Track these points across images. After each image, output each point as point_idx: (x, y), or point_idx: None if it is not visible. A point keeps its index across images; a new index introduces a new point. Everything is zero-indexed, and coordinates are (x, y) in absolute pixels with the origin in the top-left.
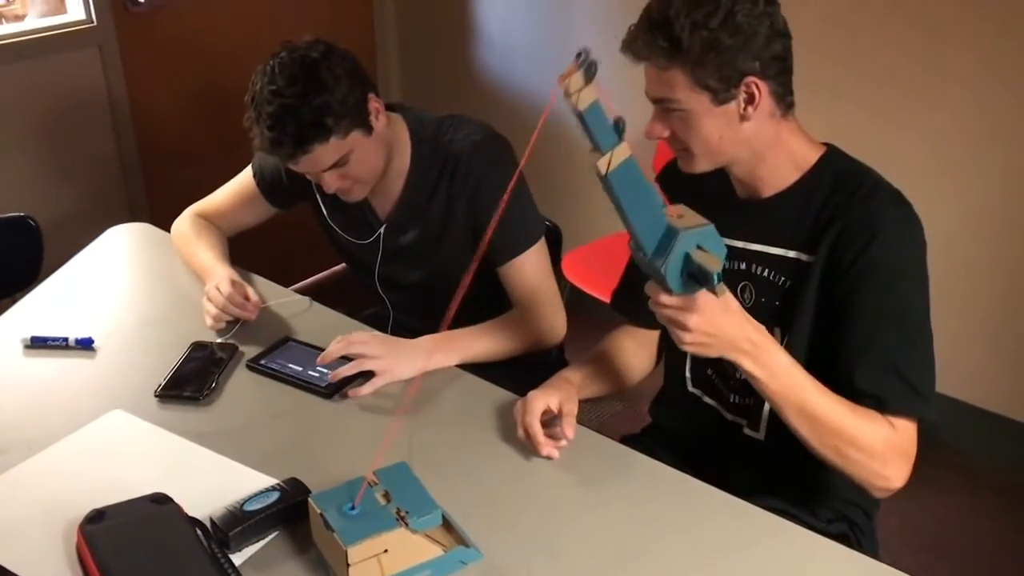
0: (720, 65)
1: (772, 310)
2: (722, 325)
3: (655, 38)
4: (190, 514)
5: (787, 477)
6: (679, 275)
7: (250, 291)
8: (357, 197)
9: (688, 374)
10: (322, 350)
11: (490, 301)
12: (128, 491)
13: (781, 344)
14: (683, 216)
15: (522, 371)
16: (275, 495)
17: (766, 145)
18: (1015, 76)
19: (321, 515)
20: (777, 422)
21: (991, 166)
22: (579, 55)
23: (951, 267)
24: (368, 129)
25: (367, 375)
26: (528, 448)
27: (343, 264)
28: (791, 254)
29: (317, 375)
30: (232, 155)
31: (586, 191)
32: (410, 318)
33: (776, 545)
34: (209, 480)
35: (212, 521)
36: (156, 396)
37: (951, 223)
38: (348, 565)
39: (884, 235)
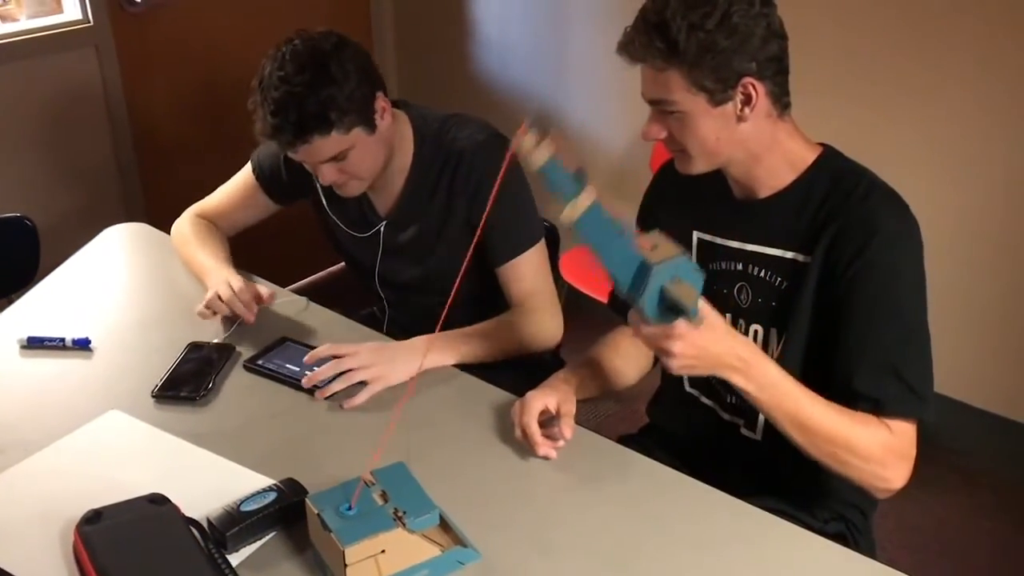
0: (717, 66)
1: (769, 311)
2: (707, 346)
3: (651, 40)
4: (187, 514)
5: (784, 477)
6: (656, 307)
7: (262, 289)
8: (352, 192)
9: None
10: None
11: (488, 302)
12: (125, 492)
13: (778, 345)
14: (657, 247)
15: (519, 371)
16: (272, 495)
17: (762, 146)
18: (1014, 76)
19: (318, 515)
20: None
21: (990, 166)
22: (528, 116)
23: (949, 267)
24: (372, 127)
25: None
26: (525, 448)
27: (340, 264)
28: (788, 255)
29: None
30: (229, 154)
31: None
32: (406, 317)
33: (773, 545)
34: (206, 480)
35: (209, 521)
36: (153, 396)
37: (949, 223)
38: (346, 565)
39: (881, 236)
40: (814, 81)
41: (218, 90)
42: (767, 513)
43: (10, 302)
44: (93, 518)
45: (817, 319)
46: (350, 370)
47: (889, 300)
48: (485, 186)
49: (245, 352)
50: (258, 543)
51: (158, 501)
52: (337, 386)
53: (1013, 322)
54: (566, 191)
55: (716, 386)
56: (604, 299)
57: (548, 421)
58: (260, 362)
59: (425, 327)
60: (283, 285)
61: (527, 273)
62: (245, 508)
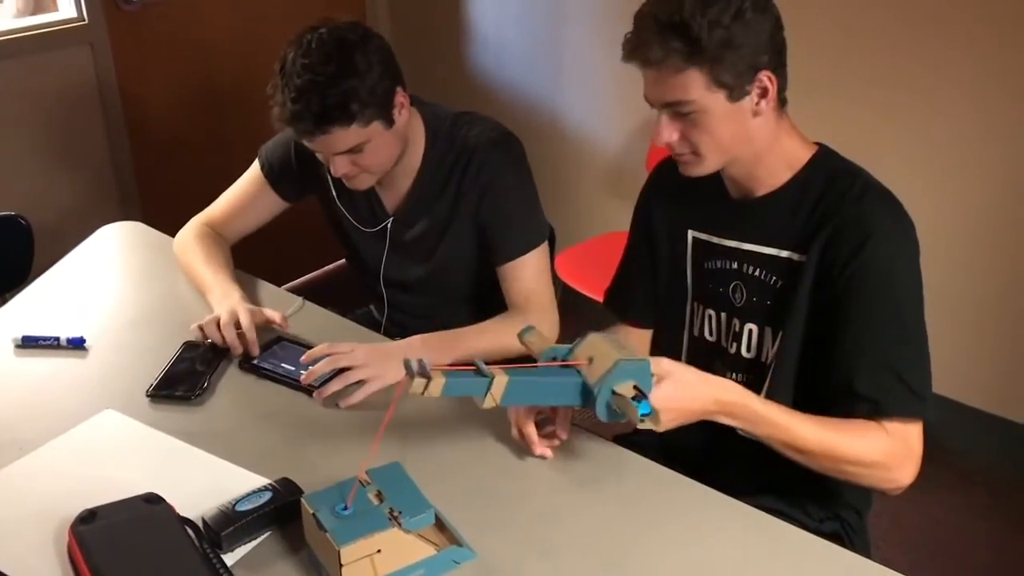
0: (736, 61)
1: (764, 310)
2: (683, 403)
3: (668, 41)
4: (182, 514)
5: (780, 477)
6: (610, 413)
7: (272, 314)
8: (362, 186)
9: None
10: None
11: (486, 301)
12: (120, 491)
13: (773, 344)
14: (593, 360)
15: None
16: (267, 495)
17: (766, 143)
18: (1010, 77)
19: (314, 515)
20: None
21: (986, 166)
22: (407, 368)
23: (945, 267)
24: (390, 122)
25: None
26: (521, 448)
27: (336, 263)
28: (783, 254)
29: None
30: (224, 153)
31: (580, 190)
32: (406, 316)
33: (768, 544)
34: (201, 480)
35: (204, 521)
36: (148, 396)
37: (945, 223)
38: (341, 565)
39: (877, 237)
40: (810, 81)
41: (214, 88)
42: (762, 513)
43: (4, 301)
44: (88, 518)
45: (813, 318)
46: (347, 369)
47: (886, 301)
48: (494, 184)
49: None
50: (253, 543)
51: (153, 501)
52: (335, 386)
53: (1009, 322)
54: (477, 391)
55: None
56: (599, 298)
57: (544, 421)
58: (255, 361)
59: (423, 327)
60: (279, 284)
61: (528, 274)
62: (240, 508)
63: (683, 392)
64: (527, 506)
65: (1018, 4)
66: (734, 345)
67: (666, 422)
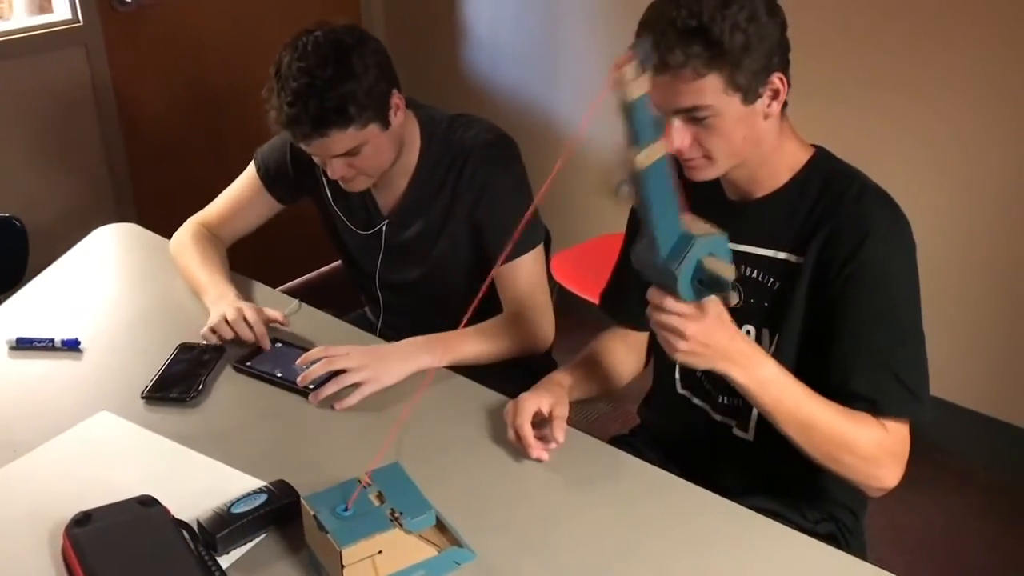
0: (752, 64)
1: (761, 311)
2: (717, 337)
3: (689, 45)
4: (177, 516)
5: (775, 478)
6: (690, 281)
7: (272, 313)
8: (358, 188)
9: (677, 375)
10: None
11: (482, 301)
12: (115, 493)
13: (771, 346)
14: (694, 223)
15: (512, 373)
16: (262, 497)
17: (772, 146)
18: (1008, 77)
19: (315, 516)
20: (766, 423)
21: (982, 168)
22: (635, 45)
23: (941, 269)
24: (386, 124)
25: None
26: (519, 450)
27: (332, 265)
28: (781, 255)
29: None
30: (220, 154)
31: (575, 193)
32: (401, 319)
33: (764, 546)
34: (196, 482)
35: (199, 523)
36: (143, 398)
37: (940, 225)
38: (343, 566)
39: (874, 238)
40: (808, 83)
41: (209, 90)
42: (758, 514)
43: None
44: (82, 520)
45: (810, 319)
46: (343, 372)
47: (883, 301)
48: (490, 187)
49: (235, 353)
50: (248, 545)
51: (148, 503)
52: (331, 388)
53: (1004, 324)
54: (644, 134)
55: (708, 387)
56: (595, 300)
57: (540, 423)
58: (250, 364)
59: (419, 329)
60: (274, 286)
61: (523, 276)
62: (235, 510)
63: (719, 328)
64: (525, 508)
65: (1015, 7)
66: None
67: (693, 350)
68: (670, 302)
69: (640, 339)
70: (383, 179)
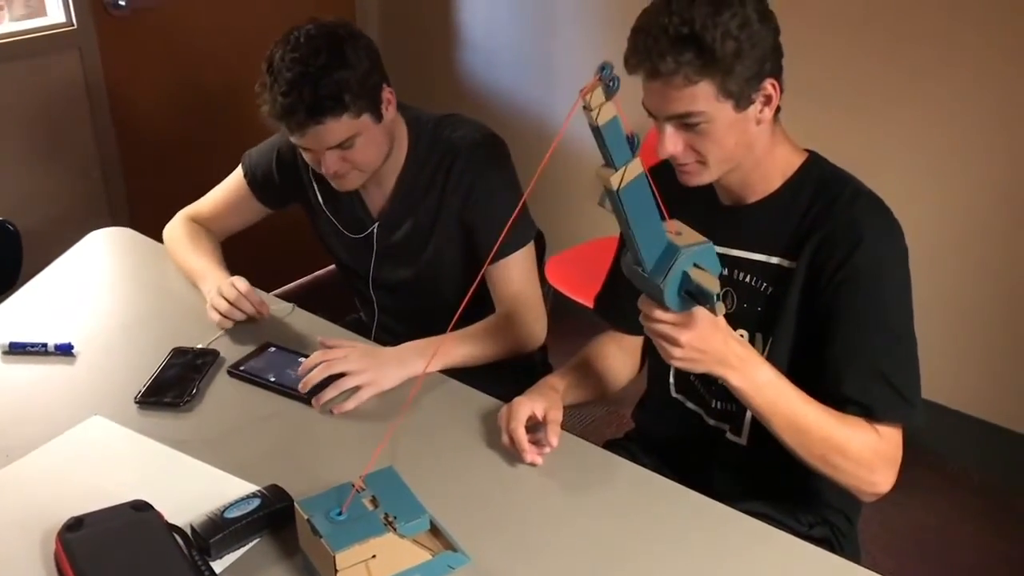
0: (744, 71)
1: (755, 316)
2: (712, 342)
3: (681, 52)
4: (170, 521)
5: (769, 482)
6: (677, 293)
7: (260, 294)
8: (350, 185)
9: (671, 380)
10: (304, 355)
11: (475, 302)
12: (108, 498)
13: (764, 350)
14: (681, 233)
15: (506, 376)
16: (256, 502)
17: (765, 150)
18: (1002, 84)
19: (308, 521)
20: (760, 427)
21: (976, 173)
22: (602, 68)
23: (933, 273)
24: (379, 116)
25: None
26: (513, 454)
27: (327, 268)
28: (774, 260)
29: (298, 381)
30: (214, 158)
31: (570, 195)
32: (395, 320)
33: (758, 550)
34: (189, 487)
35: (192, 528)
36: (136, 402)
37: (932, 230)
38: (336, 571)
39: (866, 242)
40: (801, 88)
41: (203, 93)
42: (752, 518)
43: None
44: (75, 525)
45: (803, 324)
46: (342, 376)
47: (876, 306)
48: (478, 185)
49: (229, 357)
50: (242, 550)
51: (141, 508)
52: (331, 393)
53: (995, 327)
54: (619, 155)
55: (702, 392)
56: (590, 303)
57: (534, 427)
58: (244, 368)
59: (413, 331)
60: (268, 289)
61: (514, 274)
62: (229, 515)
63: (713, 333)
64: (519, 512)
65: (1009, 13)
66: None
67: (688, 356)
68: (660, 312)
69: (635, 343)
70: (372, 180)
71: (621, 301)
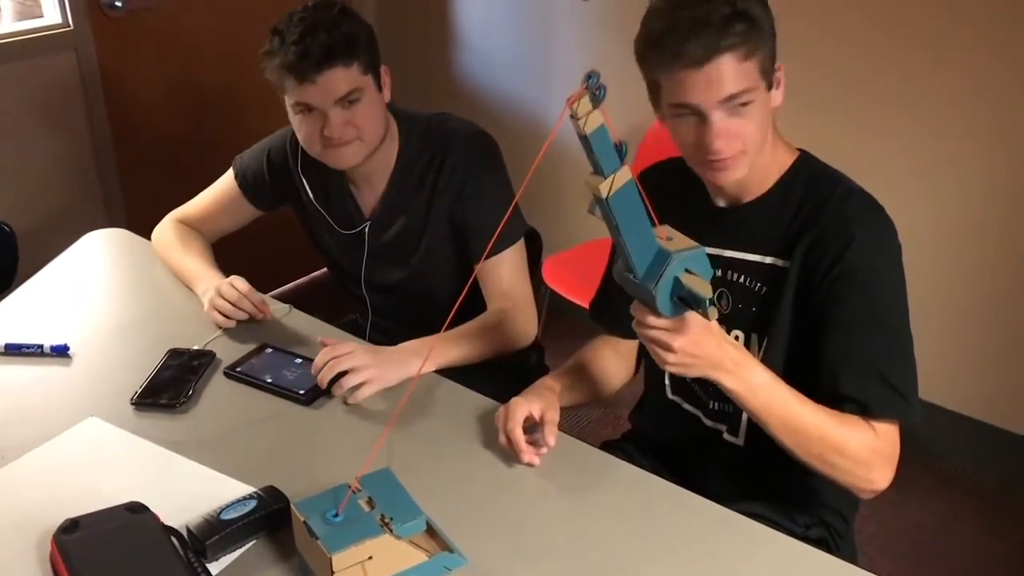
0: (772, 47)
1: (750, 316)
2: (705, 346)
3: (735, 28)
4: (166, 523)
5: (766, 482)
6: (669, 298)
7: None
8: (350, 159)
9: (668, 381)
10: (300, 356)
11: (466, 303)
12: (103, 500)
13: (759, 350)
14: (672, 239)
15: (502, 377)
16: (252, 503)
17: (769, 143)
18: (997, 85)
19: (304, 522)
20: (757, 428)
21: (969, 173)
22: (588, 77)
23: (929, 273)
24: (379, 86)
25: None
26: (510, 455)
27: (322, 270)
28: (767, 260)
29: (295, 382)
30: (210, 160)
31: (567, 197)
32: (388, 321)
33: (755, 551)
34: (186, 489)
35: (188, 530)
36: (132, 404)
37: (927, 230)
38: (333, 572)
39: (860, 240)
40: (793, 89)
41: (200, 94)
42: (749, 519)
43: None
44: (70, 527)
45: (797, 323)
46: (346, 373)
47: (871, 304)
48: (469, 183)
49: (226, 359)
50: (238, 552)
51: (136, 510)
52: (337, 392)
53: (992, 327)
54: (607, 163)
55: (699, 392)
56: (587, 304)
57: (531, 428)
58: (240, 369)
59: (408, 332)
60: (264, 291)
61: (505, 271)
62: (225, 516)
63: (708, 337)
64: (516, 512)
65: (1003, 13)
66: None
67: (682, 361)
68: (652, 318)
69: (630, 346)
70: (363, 177)
71: (615, 306)
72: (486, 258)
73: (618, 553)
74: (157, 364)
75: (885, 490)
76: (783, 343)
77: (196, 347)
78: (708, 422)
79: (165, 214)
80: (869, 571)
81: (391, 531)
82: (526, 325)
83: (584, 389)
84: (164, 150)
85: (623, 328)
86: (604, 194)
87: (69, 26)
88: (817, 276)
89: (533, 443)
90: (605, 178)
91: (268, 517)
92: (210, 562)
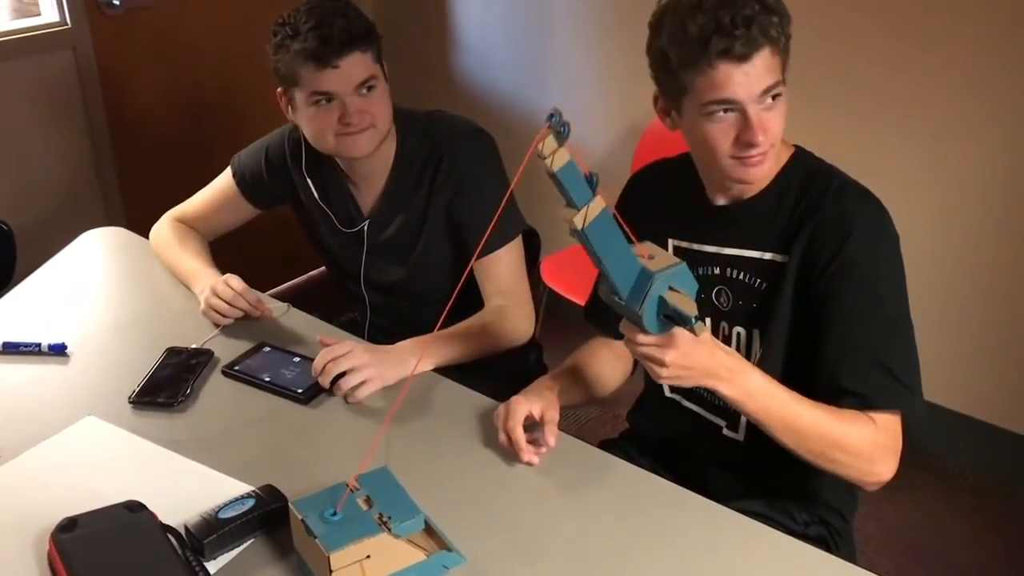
0: (789, 40)
1: (750, 312)
2: (697, 357)
3: (770, 19)
4: (164, 522)
5: (766, 480)
6: (655, 318)
7: (255, 294)
8: (365, 147)
9: None
10: (299, 355)
11: (464, 298)
12: (101, 499)
13: (759, 346)
14: (654, 256)
15: (501, 376)
16: (250, 502)
17: None
18: (997, 81)
19: (303, 521)
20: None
21: (968, 171)
22: (551, 117)
23: (928, 272)
24: (386, 78)
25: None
26: (508, 453)
27: (321, 269)
28: (765, 256)
29: (293, 381)
30: (208, 158)
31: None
32: (387, 320)
33: (754, 549)
34: (183, 487)
35: (186, 529)
36: (130, 402)
37: (925, 228)
38: (331, 571)
39: (858, 233)
40: (791, 86)
41: (198, 93)
42: (748, 518)
43: None
44: (68, 526)
45: (797, 318)
46: (346, 373)
47: (870, 295)
48: (467, 180)
49: (224, 357)
50: (236, 550)
51: (134, 508)
52: (337, 393)
53: (991, 326)
54: (579, 196)
55: (699, 390)
56: (584, 304)
57: (531, 427)
58: (238, 368)
59: (407, 331)
60: (263, 290)
61: (502, 270)
62: (223, 515)
63: (700, 348)
64: (515, 511)
65: (1000, 8)
66: None
67: (675, 375)
68: (641, 336)
69: (625, 348)
70: (362, 175)
71: (609, 310)
72: (482, 254)
73: (617, 552)
74: (155, 363)
75: (884, 489)
76: (783, 339)
77: (194, 346)
78: (709, 416)
79: (163, 213)
80: (868, 570)
81: (389, 530)
82: (523, 322)
83: (581, 390)
84: (162, 148)
85: (617, 331)
86: (579, 226)
87: (67, 24)
88: (816, 271)
89: (533, 442)
90: (579, 210)
91: (266, 516)
92: (208, 561)
